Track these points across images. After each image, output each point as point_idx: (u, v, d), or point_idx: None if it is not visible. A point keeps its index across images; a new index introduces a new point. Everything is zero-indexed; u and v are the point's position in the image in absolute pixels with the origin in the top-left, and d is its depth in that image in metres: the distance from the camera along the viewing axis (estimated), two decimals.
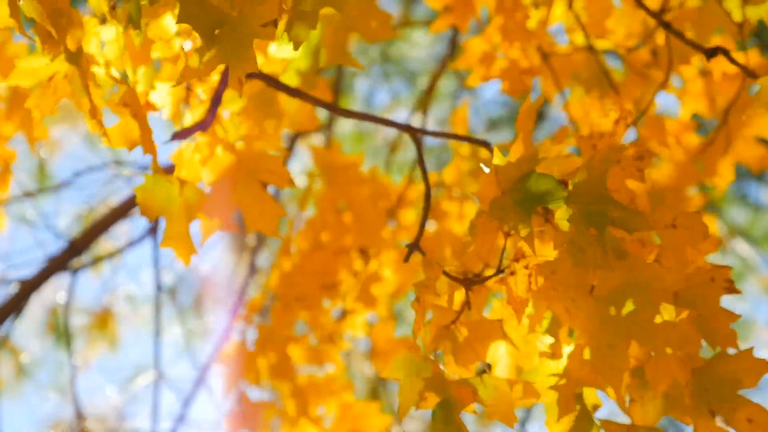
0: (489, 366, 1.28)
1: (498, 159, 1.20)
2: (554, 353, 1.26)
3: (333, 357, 2.74)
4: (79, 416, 4.17)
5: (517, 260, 1.20)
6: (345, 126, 4.43)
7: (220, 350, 2.93)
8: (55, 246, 3.77)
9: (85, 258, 4.00)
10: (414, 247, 1.29)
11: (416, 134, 1.39)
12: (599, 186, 1.16)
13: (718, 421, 1.25)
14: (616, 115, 1.32)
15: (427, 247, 1.33)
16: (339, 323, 2.88)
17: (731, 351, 1.27)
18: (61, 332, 4.30)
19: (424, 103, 3.19)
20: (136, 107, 1.26)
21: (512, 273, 1.21)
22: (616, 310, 1.18)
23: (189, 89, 1.48)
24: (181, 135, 1.38)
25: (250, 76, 1.40)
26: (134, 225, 4.35)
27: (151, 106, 1.45)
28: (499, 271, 1.24)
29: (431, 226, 2.87)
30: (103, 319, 4.51)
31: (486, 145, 1.48)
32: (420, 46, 4.52)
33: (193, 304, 4.88)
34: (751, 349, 1.27)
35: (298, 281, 2.76)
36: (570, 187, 1.18)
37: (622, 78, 2.62)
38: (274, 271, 2.94)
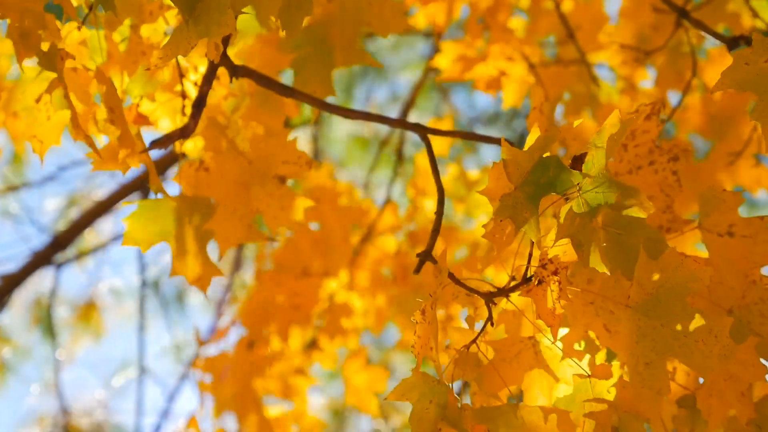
0: (521, 395, 1.09)
1: (507, 153, 1.00)
2: (594, 375, 1.03)
3: (301, 391, 2.57)
4: (64, 411, 3.98)
5: (543, 266, 0.98)
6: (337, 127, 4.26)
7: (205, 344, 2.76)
8: (39, 240, 3.60)
9: (69, 252, 3.81)
10: (426, 256, 1.06)
11: (426, 133, 1.22)
12: (607, 169, 0.96)
13: None
14: (648, 110, 1.15)
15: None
16: (308, 354, 2.72)
17: None
18: (45, 326, 4.09)
19: (406, 109, 3.07)
20: (118, 111, 1.10)
21: (540, 282, 0.99)
22: (654, 321, 0.96)
23: (185, 97, 1.30)
24: (161, 142, 1.17)
25: (241, 73, 1.24)
26: (118, 219, 4.16)
27: (142, 119, 1.25)
28: (526, 280, 1.01)
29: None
30: (87, 312, 4.32)
31: (496, 141, 1.30)
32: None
33: (177, 298, 4.69)
34: None
35: (266, 308, 2.59)
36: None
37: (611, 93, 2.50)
38: (244, 299, 2.78)
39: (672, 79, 2.34)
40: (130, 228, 1.25)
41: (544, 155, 0.99)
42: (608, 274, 1.00)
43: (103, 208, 3.66)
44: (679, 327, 0.95)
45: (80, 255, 3.95)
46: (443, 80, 2.41)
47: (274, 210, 1.27)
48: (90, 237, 4.13)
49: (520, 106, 2.44)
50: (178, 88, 1.29)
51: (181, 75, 1.29)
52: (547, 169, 0.99)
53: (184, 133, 1.19)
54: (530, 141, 1.01)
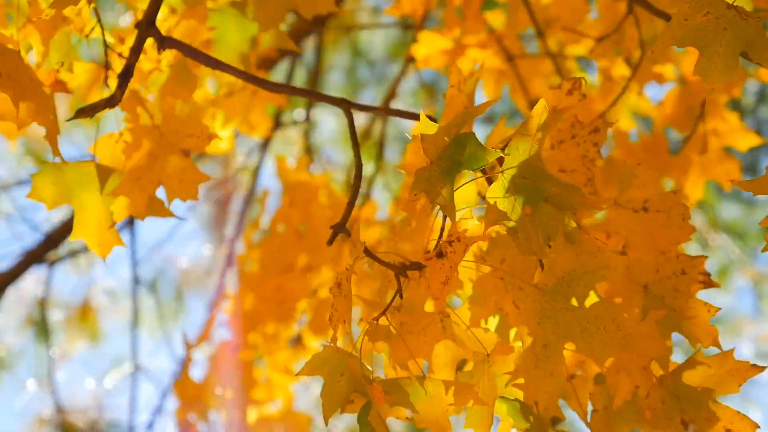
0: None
1: (425, 127, 1.01)
2: (496, 351, 1.03)
3: (286, 389, 2.58)
4: (58, 409, 4.02)
5: (450, 242, 0.99)
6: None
7: (198, 342, 2.79)
8: (31, 239, 3.64)
9: (61, 250, 3.85)
10: (339, 228, 1.07)
11: (349, 108, 1.23)
12: (534, 157, 0.97)
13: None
14: (568, 85, 1.15)
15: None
16: (293, 351, 2.73)
17: (711, 351, 1.08)
18: (39, 326, 4.14)
19: (386, 101, 3.07)
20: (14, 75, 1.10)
21: (441, 255, 1.00)
22: (559, 304, 0.97)
23: (107, 68, 1.33)
24: (86, 112, 1.19)
25: (169, 44, 1.26)
26: None
27: (60, 85, 1.27)
28: (438, 254, 1.01)
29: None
30: (82, 313, 4.36)
31: (416, 116, 1.31)
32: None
33: (173, 297, 4.73)
34: (731, 351, 1.06)
35: (251, 306, 2.61)
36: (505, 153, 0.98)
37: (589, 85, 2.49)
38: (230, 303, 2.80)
39: (648, 70, 2.33)
40: (37, 184, 1.27)
41: (462, 132, 1.00)
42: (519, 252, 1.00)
43: None
44: (583, 314, 0.95)
45: (73, 253, 3.99)
46: (420, 67, 2.43)
47: (174, 183, 1.29)
48: None
49: (499, 97, 2.45)
50: (102, 59, 1.31)
51: (106, 46, 1.32)
52: (464, 146, 1.00)
53: (109, 103, 1.22)
54: (446, 117, 1.02)
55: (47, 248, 3.63)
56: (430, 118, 1.00)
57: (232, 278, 3.90)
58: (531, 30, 2.47)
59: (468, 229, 1.00)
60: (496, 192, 0.98)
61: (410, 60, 2.79)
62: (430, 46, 2.37)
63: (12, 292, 3.87)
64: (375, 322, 1.03)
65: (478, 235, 1.00)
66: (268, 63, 3.52)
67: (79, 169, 1.28)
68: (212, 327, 2.93)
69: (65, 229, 3.71)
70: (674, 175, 2.19)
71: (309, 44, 3.90)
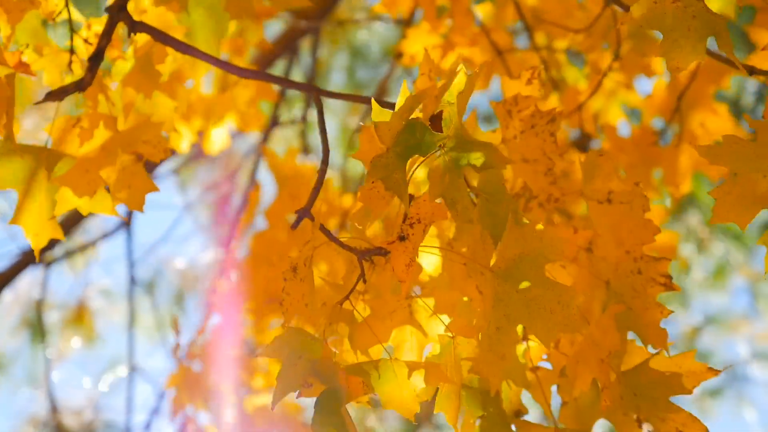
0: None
1: (378, 114, 1.01)
2: (464, 334, 1.04)
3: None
4: (54, 410, 4.03)
5: (411, 225, 0.99)
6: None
7: (194, 344, 2.78)
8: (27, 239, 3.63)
9: (57, 251, 3.86)
10: (304, 212, 1.06)
11: (318, 95, 1.23)
12: (462, 129, 0.97)
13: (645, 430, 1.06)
14: (528, 75, 1.14)
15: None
16: None
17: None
18: (35, 326, 4.15)
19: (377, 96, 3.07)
20: None
21: (402, 238, 1.00)
22: (510, 286, 0.97)
23: (73, 52, 1.32)
24: (55, 95, 1.19)
25: (139, 29, 1.25)
26: (108, 217, 4.22)
27: (23, 66, 1.25)
28: (401, 238, 1.01)
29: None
30: (78, 315, 4.37)
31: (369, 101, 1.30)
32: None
33: (171, 299, 4.73)
34: (692, 352, 1.06)
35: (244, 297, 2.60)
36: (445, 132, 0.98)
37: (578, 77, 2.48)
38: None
39: (636, 63, 2.32)
40: None
41: (411, 117, 1.00)
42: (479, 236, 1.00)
43: None
44: (530, 295, 0.95)
45: (69, 253, 4.01)
46: (407, 64, 2.43)
47: (121, 185, 1.26)
48: (79, 236, 4.19)
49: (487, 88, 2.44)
50: (68, 43, 1.31)
51: (73, 30, 1.31)
52: (414, 131, 0.99)
53: (79, 86, 1.21)
54: (399, 103, 1.01)
55: (44, 248, 3.65)
56: (383, 104, 1.00)
57: (227, 275, 3.90)
58: (520, 24, 2.47)
59: (427, 210, 0.99)
60: (437, 166, 0.98)
61: (399, 56, 2.79)
62: (418, 42, 2.36)
63: (8, 292, 3.89)
64: (339, 306, 1.02)
65: (436, 214, 0.99)
66: (265, 63, 3.53)
67: (31, 152, 1.24)
68: (209, 321, 2.92)
69: (62, 229, 3.73)
70: (663, 167, 2.17)
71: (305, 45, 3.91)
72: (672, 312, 1.10)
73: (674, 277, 1.11)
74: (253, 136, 3.93)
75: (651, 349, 1.07)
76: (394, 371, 0.99)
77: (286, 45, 3.64)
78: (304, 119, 3.79)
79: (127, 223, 3.78)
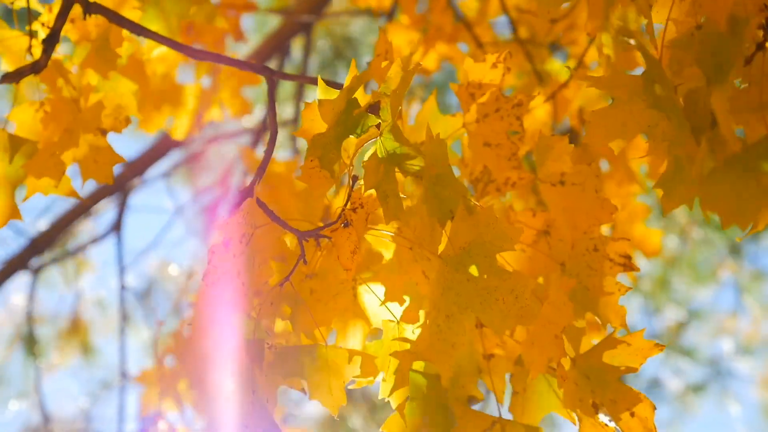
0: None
1: (323, 93, 1.00)
2: (402, 320, 1.03)
3: None
4: (46, 420, 4.02)
5: (354, 210, 0.98)
6: None
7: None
8: (16, 244, 3.64)
9: (47, 256, 3.86)
10: (248, 192, 1.05)
11: (271, 76, 1.22)
12: (396, 128, 0.96)
13: (602, 417, 1.02)
14: (493, 59, 1.13)
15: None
16: None
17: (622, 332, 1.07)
18: (27, 338, 4.15)
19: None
20: None
21: (346, 224, 0.99)
22: (460, 274, 0.95)
23: (32, 37, 1.31)
24: (11, 77, 1.19)
25: (94, 10, 1.25)
26: (98, 221, 4.22)
27: None
28: (346, 223, 1.00)
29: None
30: (72, 327, 4.36)
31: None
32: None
33: (167, 307, 4.72)
34: (641, 331, 1.04)
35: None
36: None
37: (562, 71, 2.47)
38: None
39: (622, 57, 2.30)
40: None
41: (351, 97, 0.99)
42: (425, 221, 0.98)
43: (81, 210, 3.71)
44: (483, 284, 0.93)
45: (59, 259, 4.00)
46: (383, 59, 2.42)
47: (88, 162, 1.29)
48: (69, 241, 4.19)
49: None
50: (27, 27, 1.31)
51: (30, 14, 1.32)
52: (352, 111, 0.98)
53: (35, 68, 1.21)
54: (347, 82, 1.00)
55: (32, 254, 3.64)
56: (329, 83, 0.99)
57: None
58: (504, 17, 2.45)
59: (370, 195, 0.98)
60: (374, 155, 0.98)
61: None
62: (397, 37, 2.36)
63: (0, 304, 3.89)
64: (279, 287, 1.01)
65: (377, 204, 0.98)
66: (259, 59, 3.53)
67: None
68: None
69: (50, 233, 3.73)
70: (648, 159, 2.15)
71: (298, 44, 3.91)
72: (630, 288, 1.08)
73: (665, 274, 1.09)
74: (246, 139, 3.93)
75: (610, 329, 1.05)
76: (327, 359, 0.97)
77: (279, 42, 3.65)
78: (295, 121, 3.79)
79: (117, 228, 3.79)
